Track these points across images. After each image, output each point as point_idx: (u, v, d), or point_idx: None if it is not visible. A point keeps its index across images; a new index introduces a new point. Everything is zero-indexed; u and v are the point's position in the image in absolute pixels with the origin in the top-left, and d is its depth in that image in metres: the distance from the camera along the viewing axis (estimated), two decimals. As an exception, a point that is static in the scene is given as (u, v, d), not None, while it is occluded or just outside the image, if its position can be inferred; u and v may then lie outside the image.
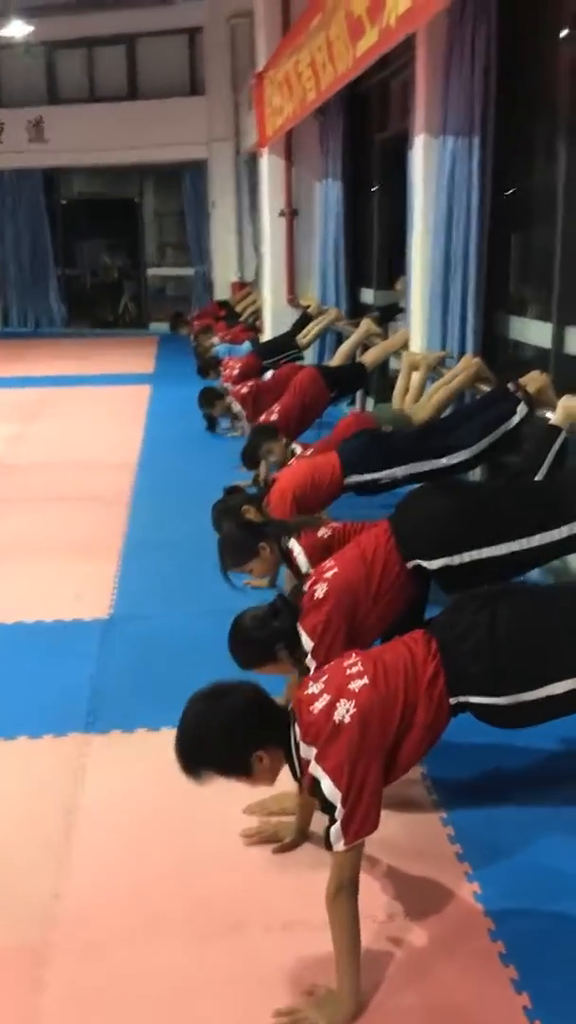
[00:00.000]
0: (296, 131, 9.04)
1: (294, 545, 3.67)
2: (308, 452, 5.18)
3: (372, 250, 8.39)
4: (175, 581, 4.82)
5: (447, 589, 3.20)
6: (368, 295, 8.63)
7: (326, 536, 3.70)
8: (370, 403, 7.66)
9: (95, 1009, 2.19)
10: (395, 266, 8.08)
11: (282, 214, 9.68)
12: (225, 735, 2.18)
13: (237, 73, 15.05)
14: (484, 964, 2.29)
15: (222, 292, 15.85)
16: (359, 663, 2.33)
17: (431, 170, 5.65)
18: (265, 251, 10.04)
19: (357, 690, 2.22)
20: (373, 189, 8.17)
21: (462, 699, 2.35)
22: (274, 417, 6.07)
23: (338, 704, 2.19)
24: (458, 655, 2.35)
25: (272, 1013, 2.13)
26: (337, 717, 2.17)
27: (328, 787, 2.12)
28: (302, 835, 2.72)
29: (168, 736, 3.22)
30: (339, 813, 2.10)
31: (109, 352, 14.33)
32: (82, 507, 6.13)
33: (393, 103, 7.68)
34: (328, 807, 2.13)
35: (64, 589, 4.72)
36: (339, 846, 2.10)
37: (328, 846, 2.14)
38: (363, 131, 8.29)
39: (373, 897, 2.47)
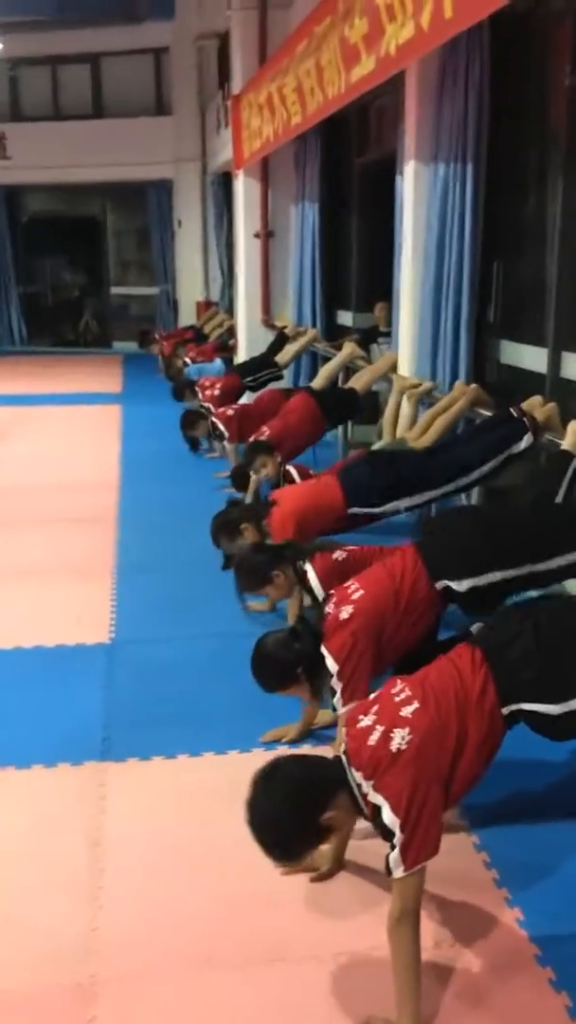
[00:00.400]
0: (272, 153, 9.09)
1: (308, 569, 3.66)
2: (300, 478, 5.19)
3: (350, 273, 8.44)
4: (173, 604, 4.78)
5: (469, 610, 3.22)
6: (345, 317, 8.68)
7: (341, 559, 3.70)
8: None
9: (148, 1047, 2.14)
10: (375, 289, 8.15)
11: (257, 235, 9.70)
12: (295, 820, 2.19)
13: (204, 94, 15.13)
14: (536, 992, 2.29)
15: (187, 311, 15.86)
16: (406, 688, 2.32)
17: (421, 196, 5.71)
18: (240, 272, 10.05)
19: (410, 715, 2.22)
20: (352, 213, 8.23)
21: (515, 707, 2.35)
22: (263, 438, 6.06)
23: (393, 733, 2.19)
24: (506, 662, 2.37)
25: None
26: (394, 747, 2.17)
27: (388, 815, 2.11)
28: (338, 864, 2.70)
29: (185, 765, 3.26)
30: (398, 839, 2.09)
31: (73, 371, 14.23)
32: (68, 529, 6.05)
33: (373, 128, 7.75)
34: (388, 834, 2.12)
35: (61, 613, 4.65)
36: (398, 872, 2.10)
37: (388, 872, 2.12)
38: (340, 155, 8.36)
39: (418, 926, 2.46)
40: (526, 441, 4.28)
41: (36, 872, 2.75)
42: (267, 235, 9.67)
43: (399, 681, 2.41)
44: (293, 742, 3.40)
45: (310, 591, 3.69)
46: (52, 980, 2.34)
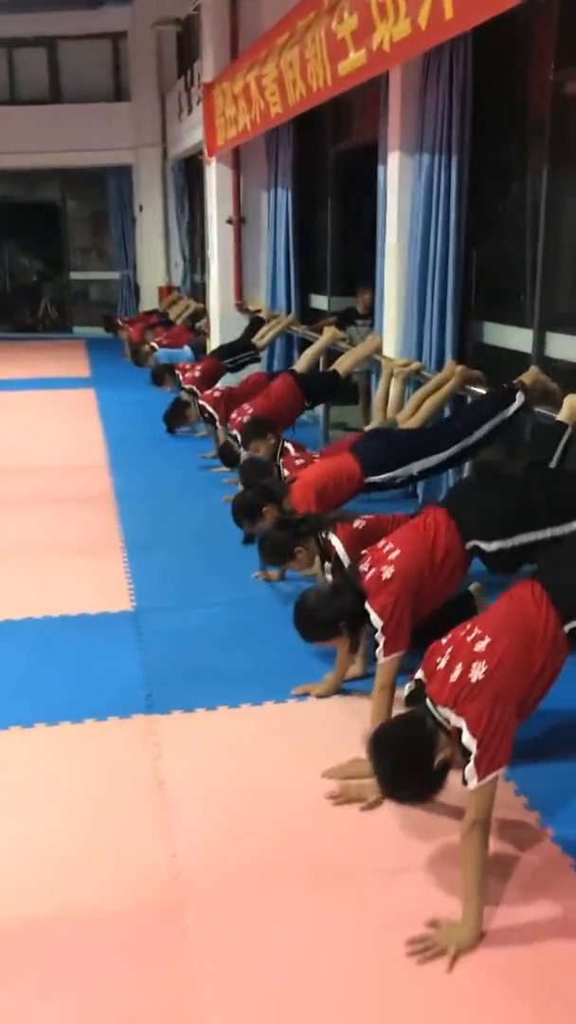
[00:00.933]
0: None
1: (333, 539, 3.93)
2: (298, 455, 5.45)
3: (325, 258, 8.70)
4: (185, 575, 5.02)
5: (494, 569, 3.54)
6: (320, 301, 8.94)
7: (361, 527, 3.97)
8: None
9: (238, 950, 2.41)
10: (350, 274, 8.43)
11: (230, 221, 9.92)
12: (414, 773, 2.55)
13: (163, 80, 15.22)
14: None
15: (149, 296, 15.99)
16: (476, 628, 2.61)
17: (406, 185, 5.99)
18: (213, 258, 10.25)
19: (484, 650, 2.50)
20: (326, 200, 8.48)
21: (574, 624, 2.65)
22: (246, 418, 6.28)
23: (472, 667, 2.47)
24: (563, 583, 2.66)
25: (405, 942, 2.40)
26: (473, 678, 2.45)
27: (467, 736, 2.40)
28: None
29: (227, 716, 3.53)
30: (473, 755, 2.38)
31: (36, 356, 14.31)
32: (70, 508, 6.26)
33: (348, 118, 8.01)
34: (465, 752, 2.41)
35: (80, 585, 4.87)
36: (472, 783, 2.39)
37: (465, 783, 2.42)
38: (315, 143, 8.60)
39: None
40: (518, 402, 4.60)
41: (112, 810, 3.00)
42: (240, 221, 9.88)
43: (468, 624, 2.69)
44: (323, 695, 3.69)
45: (336, 560, 3.93)
46: (144, 899, 2.60)
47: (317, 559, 4.13)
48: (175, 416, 8.00)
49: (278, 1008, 2.24)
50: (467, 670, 2.48)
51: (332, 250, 8.56)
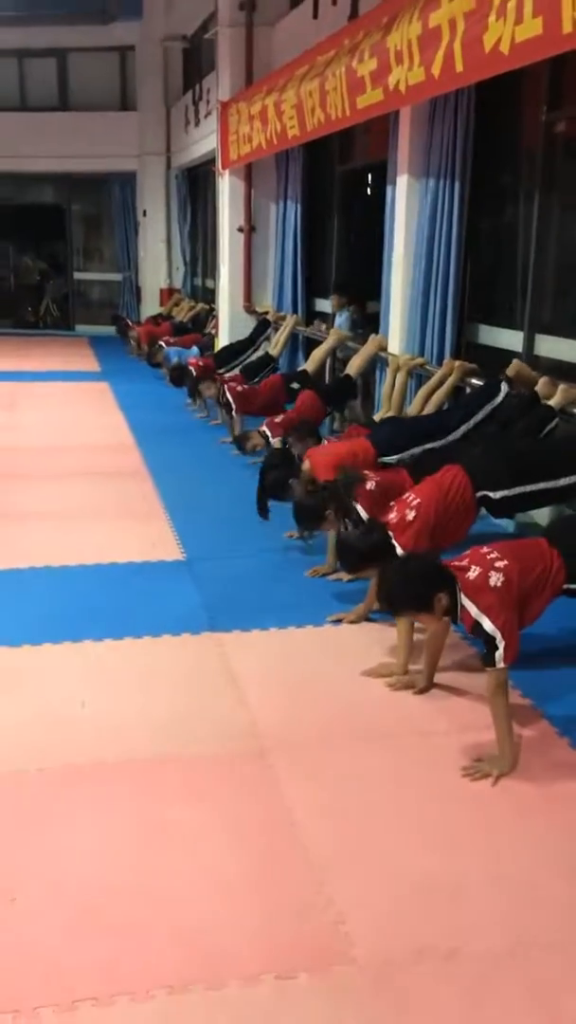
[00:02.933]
0: (253, 155, 10.16)
1: (357, 506, 4.74)
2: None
3: (329, 265, 9.57)
4: (225, 532, 5.86)
5: (498, 514, 4.45)
6: (324, 304, 9.80)
7: (373, 489, 4.79)
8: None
9: (313, 778, 3.25)
10: (352, 279, 9.31)
11: (240, 230, 10.77)
12: (417, 582, 3.39)
13: (169, 92, 16.05)
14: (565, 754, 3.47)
15: (151, 297, 16.81)
16: (495, 551, 3.46)
17: (412, 205, 6.87)
18: (223, 263, 11.09)
19: (502, 566, 3.36)
20: (332, 213, 9.36)
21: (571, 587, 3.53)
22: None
23: (490, 574, 3.32)
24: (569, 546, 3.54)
25: (460, 768, 3.27)
26: (492, 583, 3.31)
27: (488, 626, 3.25)
28: (429, 682, 3.86)
29: (277, 634, 4.35)
30: (500, 642, 3.23)
31: (44, 351, 15.06)
32: (109, 480, 7.07)
33: (355, 141, 8.89)
34: (490, 639, 3.25)
35: (135, 541, 5.68)
36: (501, 664, 3.24)
37: (492, 664, 3.25)
38: (323, 162, 9.48)
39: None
40: (502, 392, 5.48)
41: (198, 692, 3.84)
42: (250, 229, 10.73)
43: (486, 546, 3.53)
44: (354, 622, 4.53)
45: (357, 516, 4.74)
46: (234, 748, 3.43)
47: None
48: (182, 378, 8.83)
49: (351, 813, 3.07)
50: (485, 575, 3.32)
51: (336, 258, 9.44)
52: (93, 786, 3.19)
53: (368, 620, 4.56)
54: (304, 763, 3.35)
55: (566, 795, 3.19)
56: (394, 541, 4.12)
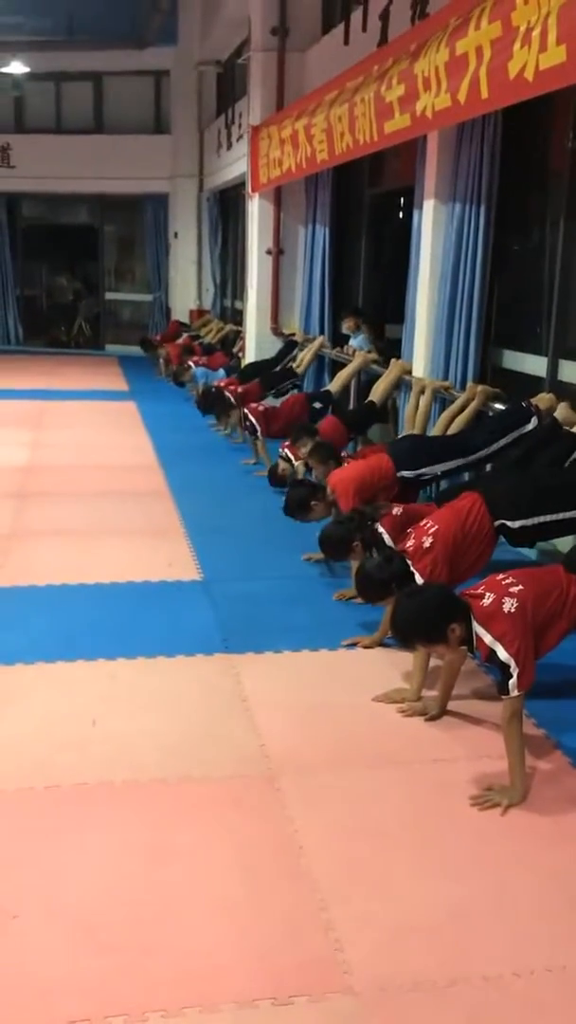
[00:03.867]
0: (283, 180, 10.23)
1: (380, 528, 4.73)
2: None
3: (357, 288, 9.61)
4: (244, 554, 5.86)
5: (516, 543, 4.41)
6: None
7: (399, 514, 4.79)
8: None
9: (322, 802, 3.23)
10: (379, 302, 9.35)
11: (269, 252, 10.84)
12: (430, 614, 3.35)
13: (203, 116, 16.24)
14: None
15: (180, 317, 16.90)
16: (510, 576, 3.44)
17: (439, 229, 6.88)
18: (251, 285, 11.16)
19: (516, 592, 3.33)
20: (361, 237, 9.40)
21: None
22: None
23: (504, 600, 3.30)
24: None
25: (469, 797, 3.24)
26: (506, 609, 3.28)
27: (503, 653, 3.22)
28: (442, 710, 3.83)
29: (291, 657, 4.34)
30: (514, 670, 3.20)
31: (74, 370, 15.21)
32: (132, 500, 7.11)
33: (384, 165, 8.93)
34: (504, 666, 3.22)
35: (153, 560, 5.70)
36: (515, 692, 3.21)
37: (506, 691, 3.23)
38: (352, 186, 9.53)
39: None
40: (533, 423, 5.45)
41: (207, 714, 3.84)
42: (278, 252, 10.80)
43: (503, 573, 3.51)
44: (369, 646, 4.51)
45: (380, 543, 4.71)
46: (244, 771, 3.42)
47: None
48: (211, 404, 8.83)
49: (357, 839, 3.04)
50: (499, 601, 3.30)
51: (364, 281, 9.47)
52: (100, 805, 3.19)
53: (383, 645, 4.53)
54: (313, 787, 3.33)
55: (573, 823, 3.15)
56: (413, 568, 4.10)
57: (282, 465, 7.18)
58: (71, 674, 4.17)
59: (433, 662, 3.96)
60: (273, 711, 3.87)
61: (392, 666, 4.31)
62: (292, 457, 6.85)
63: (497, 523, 4.33)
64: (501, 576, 3.47)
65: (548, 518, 4.35)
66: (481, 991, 2.40)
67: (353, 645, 4.54)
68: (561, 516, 4.34)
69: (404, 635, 3.49)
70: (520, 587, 3.36)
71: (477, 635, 3.32)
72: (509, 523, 4.33)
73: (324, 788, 3.32)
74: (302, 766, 3.47)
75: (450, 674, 3.82)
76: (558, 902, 2.76)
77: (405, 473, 5.44)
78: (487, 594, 3.35)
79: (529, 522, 4.34)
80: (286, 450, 6.96)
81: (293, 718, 3.82)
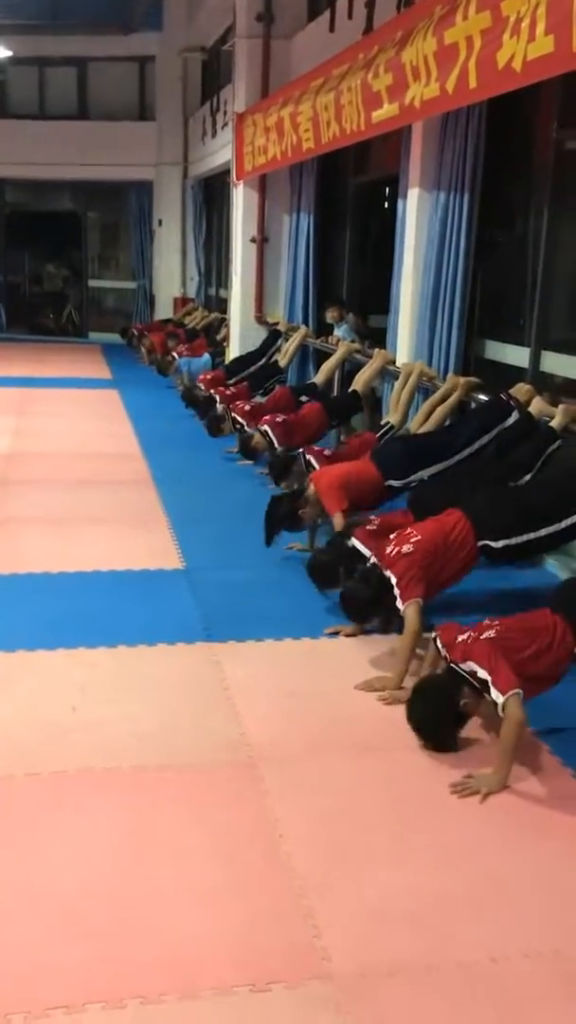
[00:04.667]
0: (268, 167, 10.19)
1: (355, 542, 4.70)
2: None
3: (341, 277, 9.59)
4: (226, 543, 5.85)
5: (498, 562, 4.45)
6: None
7: (375, 527, 4.75)
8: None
9: (302, 788, 3.24)
10: (363, 291, 9.33)
11: (253, 240, 10.80)
12: (442, 714, 3.47)
13: (188, 103, 16.14)
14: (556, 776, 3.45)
15: (163, 307, 16.86)
16: (492, 620, 3.48)
17: (423, 218, 6.88)
18: (236, 273, 11.12)
19: (493, 631, 3.40)
20: (345, 225, 9.37)
21: None
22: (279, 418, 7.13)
23: (482, 635, 3.36)
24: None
25: (448, 785, 3.24)
26: (484, 637, 3.34)
27: (482, 674, 3.28)
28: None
29: (272, 645, 4.34)
30: (485, 675, 3.27)
31: (57, 358, 15.12)
32: (115, 488, 7.08)
33: (369, 154, 8.91)
34: (483, 682, 3.28)
35: (135, 549, 5.68)
36: (500, 699, 3.23)
37: (495, 704, 3.26)
38: (336, 174, 9.50)
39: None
40: (513, 417, 5.46)
41: (189, 701, 3.83)
42: (263, 241, 10.76)
43: (488, 619, 3.55)
44: (351, 635, 4.51)
45: (357, 555, 4.67)
46: (225, 758, 3.42)
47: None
48: (213, 427, 8.71)
49: (337, 826, 3.05)
50: (477, 637, 3.37)
51: (348, 270, 9.45)
52: (80, 793, 3.19)
53: (364, 633, 4.54)
54: (293, 775, 3.34)
55: (555, 815, 3.17)
56: (388, 572, 4.10)
57: (256, 438, 7.20)
58: (52, 662, 4.15)
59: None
60: (254, 699, 3.87)
61: (373, 655, 4.31)
62: (271, 431, 6.87)
63: (480, 543, 4.32)
64: (486, 622, 3.54)
65: (530, 536, 4.37)
66: (458, 977, 2.41)
67: (335, 634, 4.55)
68: (543, 533, 4.36)
69: (439, 740, 3.51)
70: (497, 625, 3.45)
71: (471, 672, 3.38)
72: (492, 544, 4.33)
73: (305, 775, 3.33)
74: (283, 753, 3.47)
75: (431, 665, 3.84)
76: (535, 889, 2.78)
77: (393, 483, 5.43)
78: (460, 634, 3.47)
79: (512, 541, 4.35)
80: (266, 426, 6.97)
81: (274, 706, 3.83)
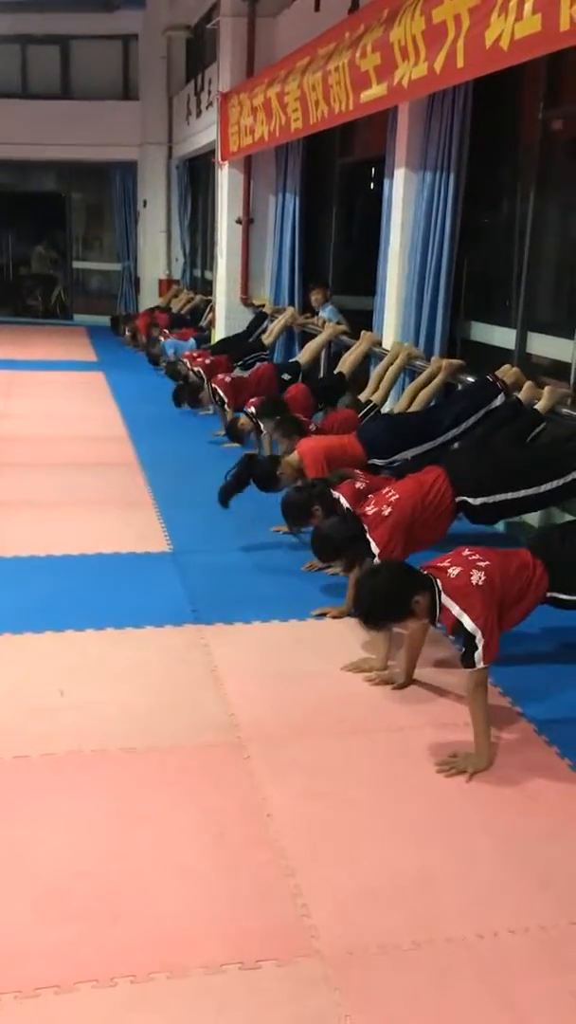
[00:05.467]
0: (253, 148, 10.12)
1: (338, 495, 4.74)
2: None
3: (327, 258, 9.56)
4: (212, 526, 5.83)
5: (477, 520, 4.44)
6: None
7: (362, 487, 4.78)
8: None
9: (290, 769, 3.25)
10: (349, 272, 9.31)
11: (239, 221, 10.75)
12: (393, 591, 3.36)
13: (172, 82, 16.00)
14: (547, 758, 3.47)
15: (149, 288, 16.77)
16: (476, 553, 3.45)
17: (409, 198, 6.86)
18: (221, 255, 11.07)
19: (484, 566, 3.35)
20: (332, 206, 9.34)
21: (553, 594, 3.53)
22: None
23: (471, 573, 3.32)
24: (559, 560, 3.54)
25: (434, 764, 3.27)
26: (474, 581, 3.30)
27: (469, 624, 3.25)
28: (408, 679, 3.86)
29: (260, 627, 4.35)
30: (479, 641, 3.23)
31: (42, 340, 15.04)
32: (101, 471, 7.06)
33: (356, 135, 8.86)
34: (470, 637, 3.25)
35: (123, 532, 5.67)
36: (480, 664, 3.24)
37: (471, 664, 3.25)
38: (323, 155, 9.45)
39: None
40: (499, 399, 5.47)
41: (177, 684, 3.84)
42: (248, 222, 10.71)
43: (467, 549, 3.52)
44: (337, 617, 4.53)
45: (342, 510, 4.73)
46: (213, 740, 3.43)
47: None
48: (191, 396, 8.77)
49: (325, 806, 3.07)
50: (467, 574, 3.32)
51: (334, 251, 9.42)
52: (68, 775, 3.19)
53: (351, 615, 4.55)
54: (281, 756, 3.35)
55: (539, 793, 3.20)
56: (368, 536, 4.12)
57: (243, 420, 7.21)
58: (39, 645, 4.15)
59: (398, 631, 3.98)
60: (242, 681, 3.88)
61: (360, 636, 4.32)
62: (255, 412, 6.89)
63: (458, 499, 4.34)
64: (467, 551, 3.49)
65: (509, 496, 4.38)
66: (446, 953, 2.44)
67: (322, 615, 4.56)
68: (523, 493, 4.37)
69: (370, 615, 3.50)
70: (487, 562, 3.39)
71: (443, 606, 3.34)
72: (471, 500, 4.35)
73: (292, 756, 3.35)
74: (271, 735, 3.49)
75: (414, 644, 3.85)
76: (520, 866, 2.80)
77: (377, 461, 5.43)
78: (453, 567, 3.37)
79: (490, 499, 4.36)
80: (251, 407, 6.97)
81: (262, 688, 3.84)
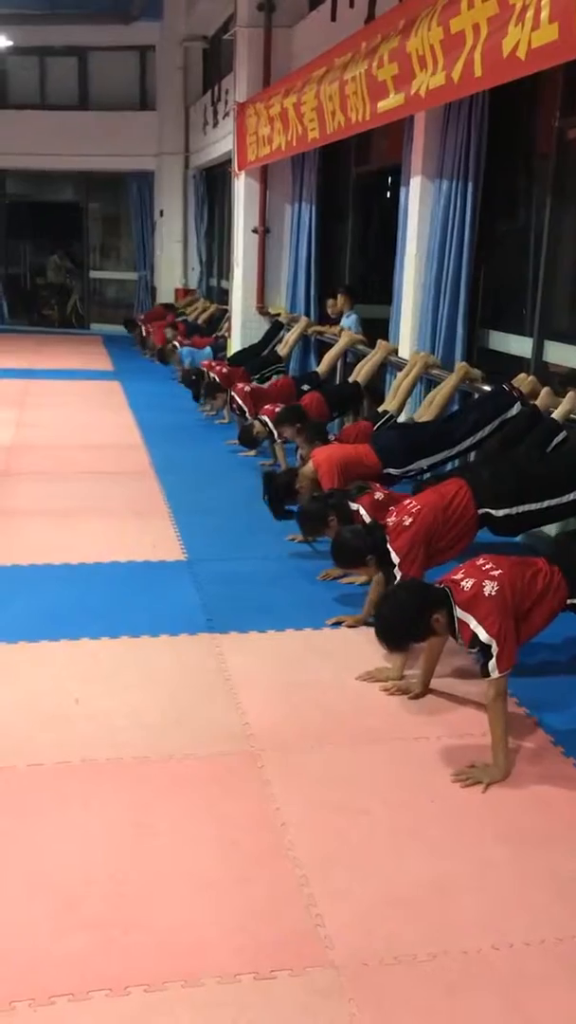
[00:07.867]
0: (269, 157, 10.15)
1: (358, 506, 4.73)
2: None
3: (343, 267, 9.56)
4: (228, 535, 5.84)
5: (499, 532, 4.42)
6: (337, 308, 9.76)
7: (381, 498, 4.78)
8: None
9: (304, 779, 3.24)
10: (365, 281, 9.31)
11: (255, 231, 10.77)
12: (411, 612, 3.39)
13: (188, 92, 16.08)
14: (558, 761, 3.45)
15: (165, 297, 16.81)
16: (489, 562, 3.44)
17: (425, 207, 6.85)
18: (237, 264, 11.09)
19: (496, 576, 3.34)
20: (347, 216, 9.35)
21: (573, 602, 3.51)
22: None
23: (484, 584, 3.30)
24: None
25: (451, 774, 3.25)
26: (487, 592, 3.28)
27: (484, 635, 3.23)
28: (425, 688, 3.85)
29: (274, 636, 4.34)
30: (495, 650, 3.21)
31: (58, 349, 15.10)
32: (117, 479, 7.08)
33: (371, 144, 8.87)
34: (485, 648, 3.24)
35: (138, 541, 5.67)
36: (495, 674, 3.22)
37: (487, 674, 3.24)
38: (338, 165, 9.47)
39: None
40: (516, 408, 5.45)
41: (192, 692, 3.83)
42: (264, 231, 10.73)
43: (481, 557, 3.51)
44: (353, 626, 4.51)
45: (362, 522, 4.71)
46: (227, 749, 3.42)
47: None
48: (194, 385, 8.84)
49: (340, 816, 3.06)
50: (479, 585, 3.30)
51: (350, 260, 9.43)
52: (83, 783, 3.19)
53: (367, 624, 4.53)
54: (296, 766, 3.34)
55: (556, 804, 3.17)
56: (389, 547, 4.11)
57: (257, 427, 7.22)
58: (54, 653, 4.16)
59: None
60: (257, 690, 3.88)
61: (375, 645, 4.24)
62: (269, 420, 6.88)
63: (481, 511, 4.32)
64: (481, 561, 3.48)
65: (532, 507, 4.36)
66: (461, 964, 2.42)
67: (337, 624, 4.55)
68: (545, 504, 4.36)
69: (391, 639, 3.53)
70: (499, 571, 3.37)
71: (459, 620, 3.34)
72: (493, 512, 4.33)
73: (307, 765, 3.33)
74: (285, 744, 3.47)
75: (432, 653, 3.83)
76: (537, 878, 2.78)
77: (392, 471, 5.42)
78: (466, 579, 3.36)
79: (513, 511, 4.34)
80: (264, 416, 6.97)
81: (277, 697, 3.83)
